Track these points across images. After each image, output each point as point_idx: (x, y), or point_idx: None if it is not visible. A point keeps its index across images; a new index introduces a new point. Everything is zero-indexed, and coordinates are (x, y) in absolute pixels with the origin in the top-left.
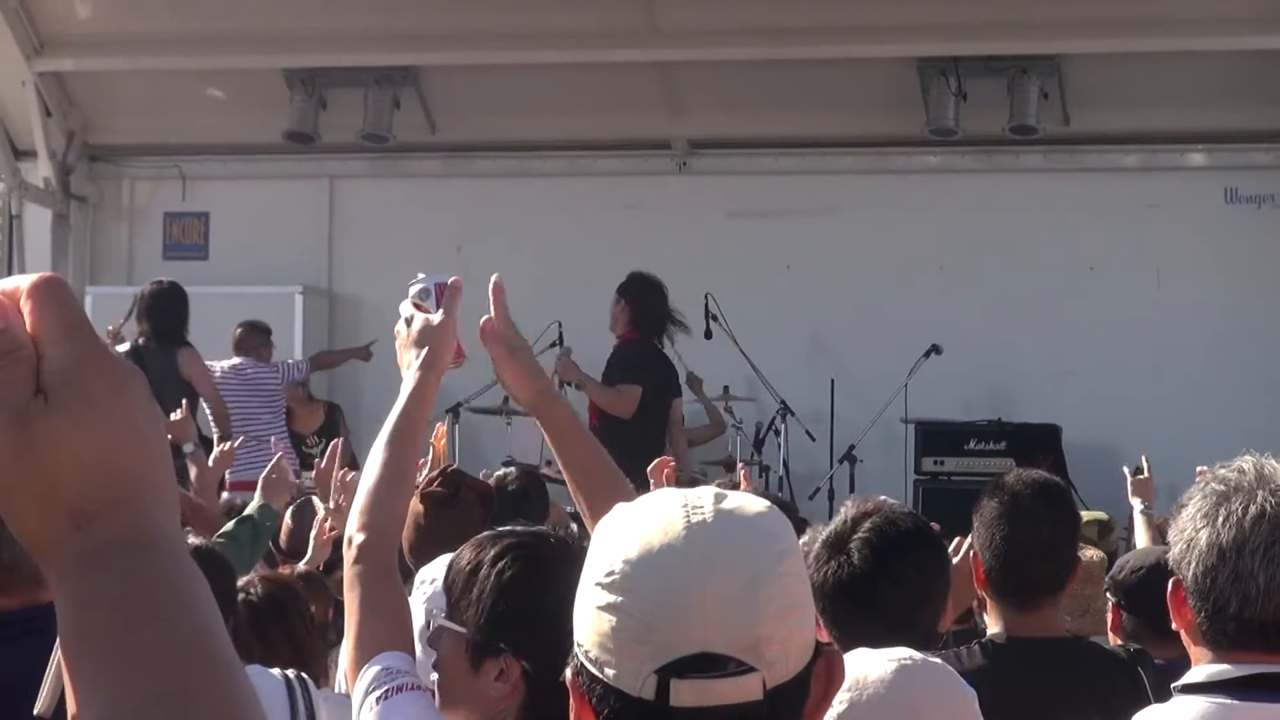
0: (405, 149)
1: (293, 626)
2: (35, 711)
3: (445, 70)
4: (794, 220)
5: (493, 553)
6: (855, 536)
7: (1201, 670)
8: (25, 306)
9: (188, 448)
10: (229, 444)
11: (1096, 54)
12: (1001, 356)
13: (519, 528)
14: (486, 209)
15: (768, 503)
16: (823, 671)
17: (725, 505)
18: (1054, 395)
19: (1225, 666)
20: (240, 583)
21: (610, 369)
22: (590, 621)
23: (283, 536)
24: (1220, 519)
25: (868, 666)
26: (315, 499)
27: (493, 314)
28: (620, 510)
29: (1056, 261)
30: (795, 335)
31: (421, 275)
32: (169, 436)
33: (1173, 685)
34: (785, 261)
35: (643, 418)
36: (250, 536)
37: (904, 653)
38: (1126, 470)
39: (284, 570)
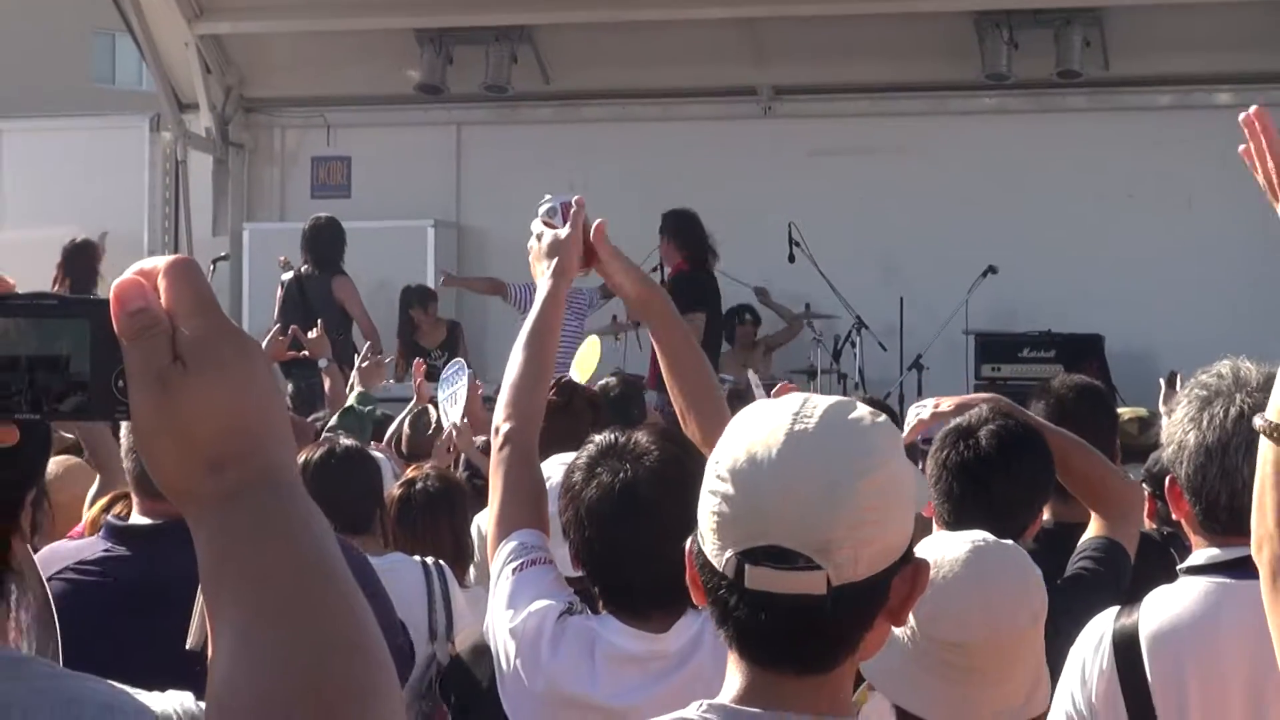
0: (522, 98)
1: (457, 521)
2: (186, 646)
3: (556, 28)
4: (866, 158)
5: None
6: (985, 428)
7: (1202, 554)
8: (161, 284)
9: (322, 363)
10: (377, 356)
11: (1133, 5)
12: (1051, 274)
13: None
14: (594, 151)
15: (883, 418)
16: (909, 577)
17: (832, 416)
18: (1098, 308)
19: (1221, 550)
20: (417, 473)
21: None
22: (703, 502)
23: (403, 442)
24: (1205, 422)
25: (946, 548)
26: (431, 407)
27: (596, 227)
28: (749, 409)
29: (1099, 190)
30: (868, 259)
31: (549, 196)
32: (305, 353)
33: (1178, 568)
34: (859, 195)
35: (708, 342)
36: (356, 425)
37: (979, 535)
38: (1162, 381)
39: (425, 468)
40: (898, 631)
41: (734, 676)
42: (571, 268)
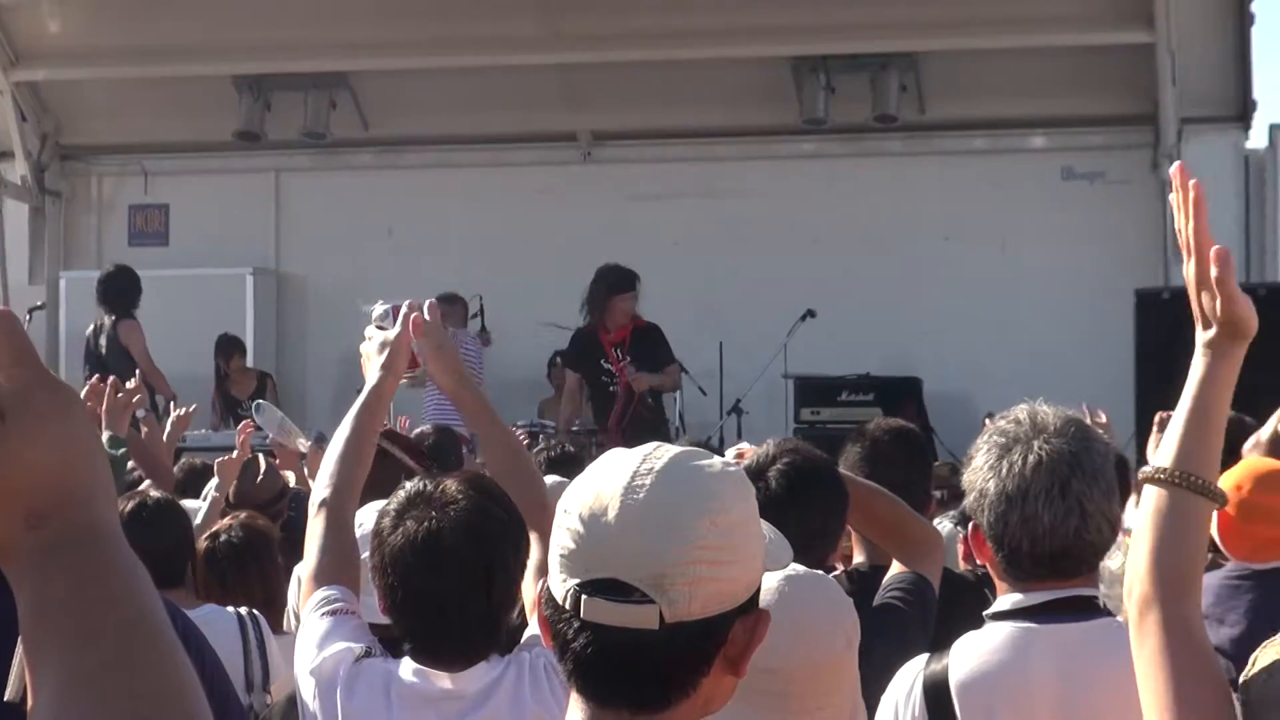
0: (341, 145)
1: (266, 568)
2: (4, 699)
3: (375, 75)
4: (685, 202)
5: None
6: (774, 467)
7: (1006, 599)
8: None
9: (139, 412)
10: (184, 410)
11: (948, 50)
12: (869, 318)
13: None
14: (414, 197)
15: (736, 468)
16: (750, 625)
17: (680, 459)
18: (915, 351)
19: (1024, 596)
20: (222, 525)
21: (654, 353)
22: (553, 539)
23: (231, 490)
24: (1004, 470)
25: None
26: (261, 456)
27: (425, 314)
28: (608, 454)
29: (915, 233)
30: (687, 303)
31: (381, 302)
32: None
33: (984, 613)
34: (678, 239)
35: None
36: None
37: (793, 567)
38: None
39: (231, 520)
40: None
41: (573, 714)
42: (400, 366)
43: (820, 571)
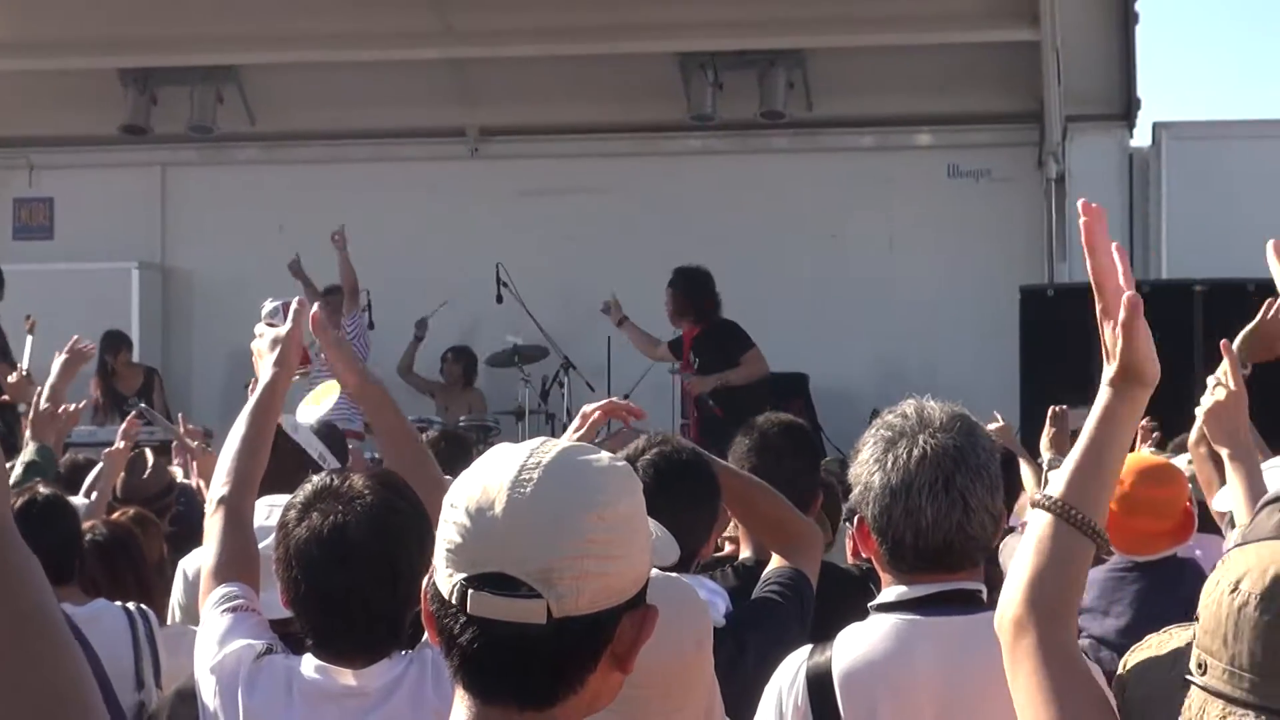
0: (228, 139)
1: (136, 563)
2: None
3: (263, 68)
4: (574, 198)
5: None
6: (643, 459)
7: (891, 592)
8: None
9: (21, 407)
10: (48, 407)
11: (836, 48)
12: (757, 313)
13: None
14: (302, 192)
15: (622, 463)
16: (638, 621)
17: (567, 453)
18: (802, 348)
19: (908, 588)
20: (86, 525)
21: (720, 348)
22: (439, 533)
23: (118, 485)
24: (889, 464)
25: None
26: (148, 450)
27: (312, 317)
28: (495, 448)
29: (803, 230)
30: (576, 299)
31: (270, 299)
32: (7, 397)
33: (869, 605)
34: (566, 235)
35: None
36: (38, 476)
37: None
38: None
39: (120, 515)
40: None
41: (458, 712)
42: (292, 361)
43: (675, 575)
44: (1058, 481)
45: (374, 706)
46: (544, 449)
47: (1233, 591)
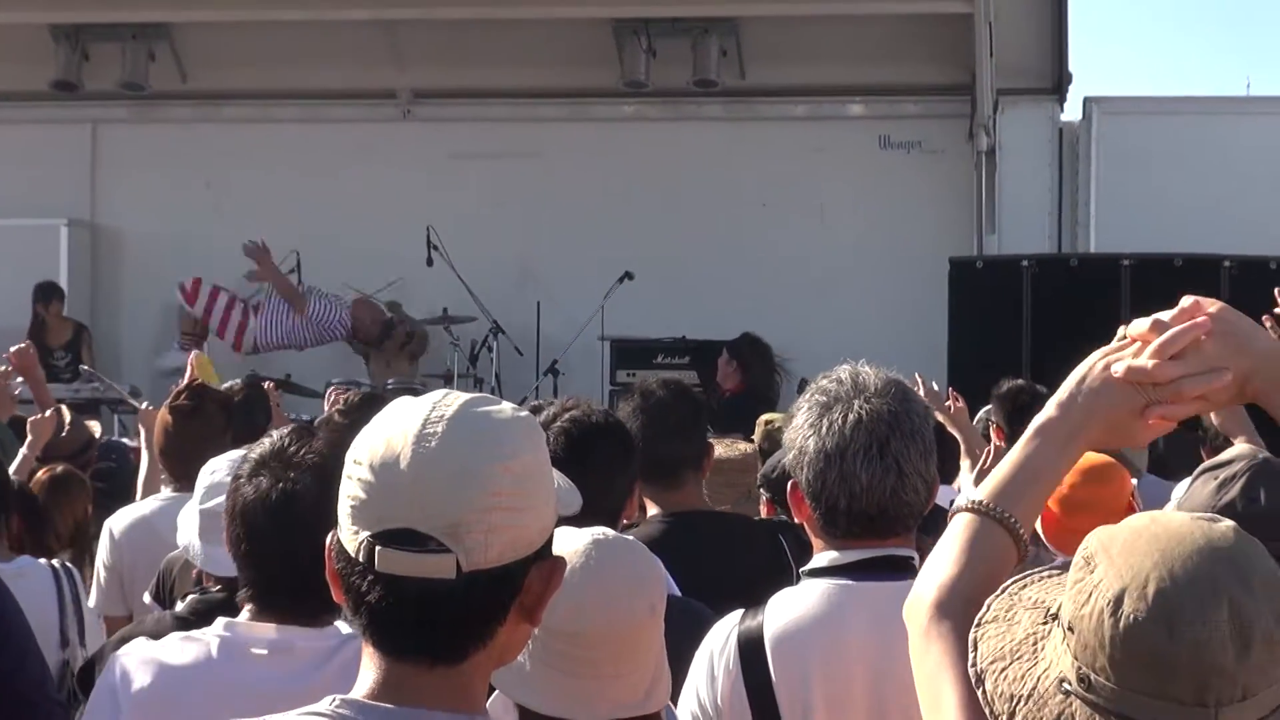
0: (160, 97)
1: (61, 521)
2: None
3: (195, 26)
4: (505, 162)
5: None
6: (554, 425)
7: (824, 556)
8: None
9: None
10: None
11: (770, 16)
12: (686, 281)
13: None
14: (233, 152)
15: (525, 413)
16: (546, 573)
17: (470, 406)
18: (732, 315)
19: (840, 554)
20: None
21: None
22: (342, 489)
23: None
24: (824, 428)
25: (567, 541)
26: (65, 408)
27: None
28: (395, 401)
29: (734, 198)
30: (506, 264)
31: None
32: None
33: (800, 570)
34: (498, 199)
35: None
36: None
37: (599, 531)
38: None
39: (47, 472)
40: None
41: (368, 670)
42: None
43: (627, 536)
44: (984, 489)
45: (303, 671)
46: (446, 402)
47: (1114, 614)
